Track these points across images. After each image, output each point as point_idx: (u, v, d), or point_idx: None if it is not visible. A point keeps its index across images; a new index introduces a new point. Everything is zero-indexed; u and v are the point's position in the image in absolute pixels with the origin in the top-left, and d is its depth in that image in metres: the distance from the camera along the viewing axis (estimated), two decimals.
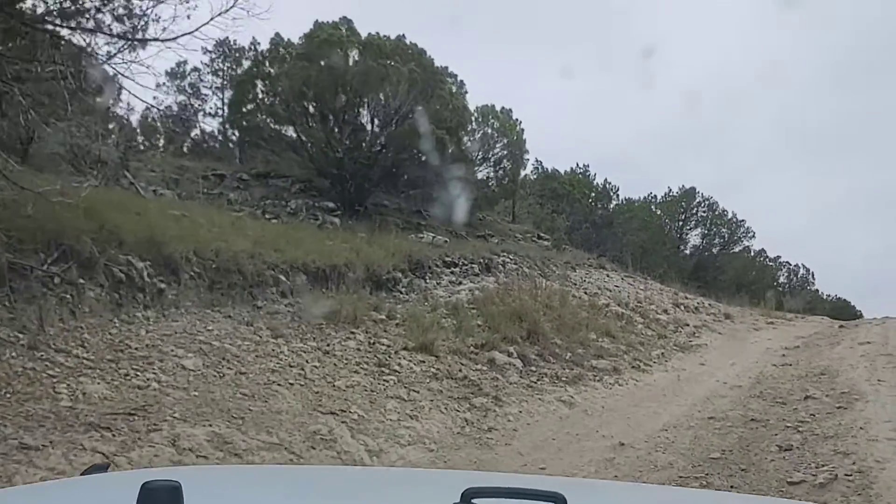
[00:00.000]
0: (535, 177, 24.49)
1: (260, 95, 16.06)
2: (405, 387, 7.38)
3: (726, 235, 29.66)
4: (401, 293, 10.85)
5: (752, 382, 9.48)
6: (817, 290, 32.22)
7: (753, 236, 29.71)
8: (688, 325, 14.16)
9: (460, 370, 8.24)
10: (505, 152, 18.83)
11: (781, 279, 32.13)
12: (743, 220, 29.43)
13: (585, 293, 14.15)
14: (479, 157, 18.50)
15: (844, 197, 46.00)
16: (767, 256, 31.80)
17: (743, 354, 11.85)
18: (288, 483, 1.80)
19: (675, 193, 29.49)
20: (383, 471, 4.06)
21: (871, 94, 51.40)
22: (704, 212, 29.40)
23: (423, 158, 15.96)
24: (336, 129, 15.08)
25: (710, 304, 17.30)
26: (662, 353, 11.46)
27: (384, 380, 7.38)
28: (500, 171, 18.83)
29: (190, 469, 3.20)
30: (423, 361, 8.16)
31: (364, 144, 15.03)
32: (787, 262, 32.26)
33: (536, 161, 24.20)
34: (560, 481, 2.48)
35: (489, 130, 18.60)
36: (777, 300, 19.26)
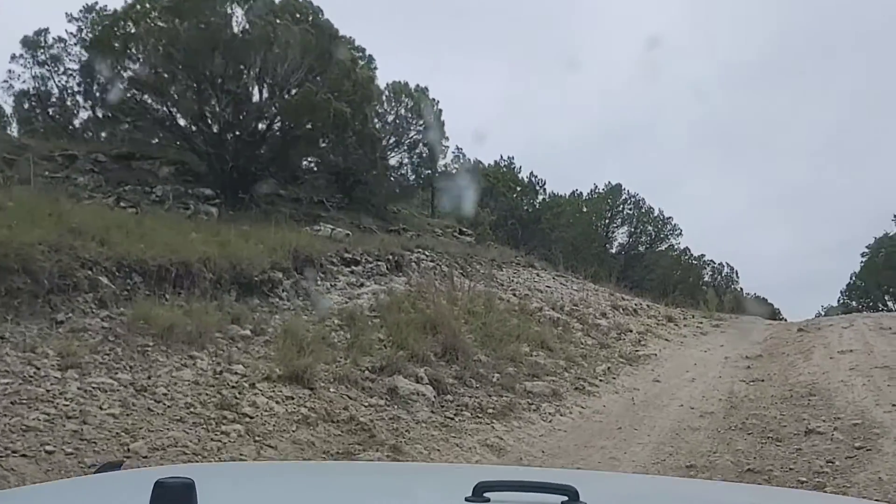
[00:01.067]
0: (456, 168, 22.24)
1: (121, 60, 13.15)
2: (256, 441, 4.94)
3: (653, 233, 28.63)
4: (280, 298, 8.36)
5: (725, 407, 7.47)
6: (741, 289, 31.56)
7: (680, 234, 28.79)
8: (630, 330, 12.22)
9: (346, 408, 5.85)
10: (421, 136, 16.51)
11: (706, 278, 31.38)
12: (669, 218, 28.46)
13: (514, 295, 12.00)
14: (391, 140, 16.11)
15: (758, 198, 45.96)
16: (692, 255, 30.98)
17: (700, 366, 9.92)
18: (301, 478, 1.79)
19: (600, 190, 28.20)
20: (395, 466, 3.92)
21: (785, 97, 51.83)
22: (631, 209, 28.27)
23: (323, 141, 13.48)
24: (214, 100, 12.41)
25: (648, 306, 15.50)
26: (608, 368, 9.38)
27: (223, 432, 4.90)
28: (416, 158, 16.49)
29: (203, 466, 3.05)
30: (292, 397, 5.72)
31: (247, 118, 12.38)
32: (712, 260, 31.62)
33: (457, 149, 21.90)
34: (571, 474, 2.42)
35: (402, 111, 16.23)
36: (718, 301, 17.63)
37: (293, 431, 5.23)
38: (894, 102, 53.39)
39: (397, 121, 16.35)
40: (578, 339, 10.52)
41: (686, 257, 30.38)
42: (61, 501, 1.39)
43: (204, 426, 4.91)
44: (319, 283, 9.23)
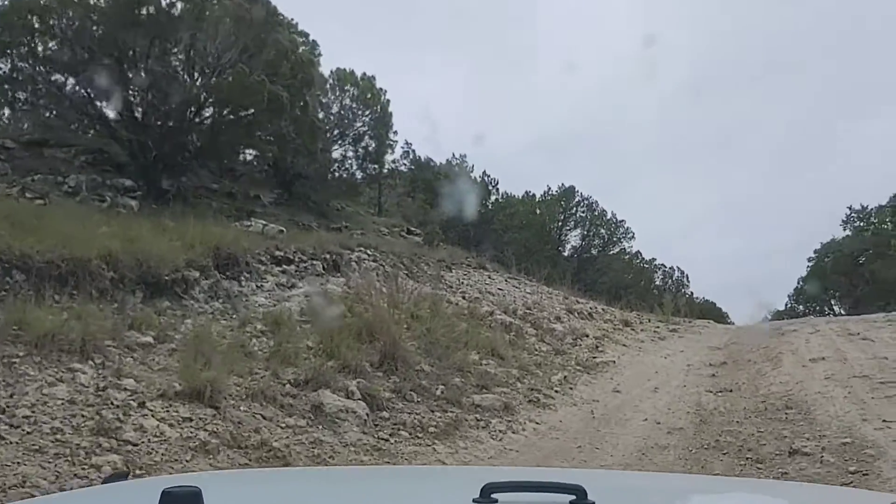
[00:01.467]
0: (406, 164, 21.30)
1: (33, 36, 11.87)
2: (135, 476, 3.96)
3: (605, 236, 28.27)
4: (194, 300, 7.34)
5: (694, 422, 6.74)
6: (692, 293, 31.49)
7: (633, 237, 28.49)
8: (587, 335, 11.47)
9: (257, 430, 4.89)
10: (367, 129, 15.56)
11: (657, 281, 31.24)
12: (622, 221, 28.14)
13: (464, 298, 11.16)
14: (335, 132, 15.13)
15: (705, 202, 46.28)
16: (644, 258, 30.80)
17: (662, 374, 9.22)
18: (307, 485, 1.78)
19: (554, 192, 27.69)
20: (401, 469, 3.74)
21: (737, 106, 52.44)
22: (584, 211, 27.84)
23: (258, 130, 12.42)
24: (137, 82, 11.26)
25: (603, 310, 14.83)
26: (565, 378, 8.59)
27: (92, 465, 3.91)
28: (362, 152, 15.53)
29: (210, 474, 2.99)
30: (190, 419, 4.74)
31: (174, 101, 11.24)
32: (663, 264, 31.51)
33: (406, 145, 20.91)
34: (578, 473, 2.44)
35: (347, 101, 15.27)
36: (675, 305, 17.10)
37: (186, 461, 4.26)
38: (845, 108, 54.54)
39: (342, 111, 15.41)
40: (532, 346, 9.73)
41: (638, 261, 30.16)
42: None
43: (69, 458, 3.91)
44: (244, 283, 8.23)
